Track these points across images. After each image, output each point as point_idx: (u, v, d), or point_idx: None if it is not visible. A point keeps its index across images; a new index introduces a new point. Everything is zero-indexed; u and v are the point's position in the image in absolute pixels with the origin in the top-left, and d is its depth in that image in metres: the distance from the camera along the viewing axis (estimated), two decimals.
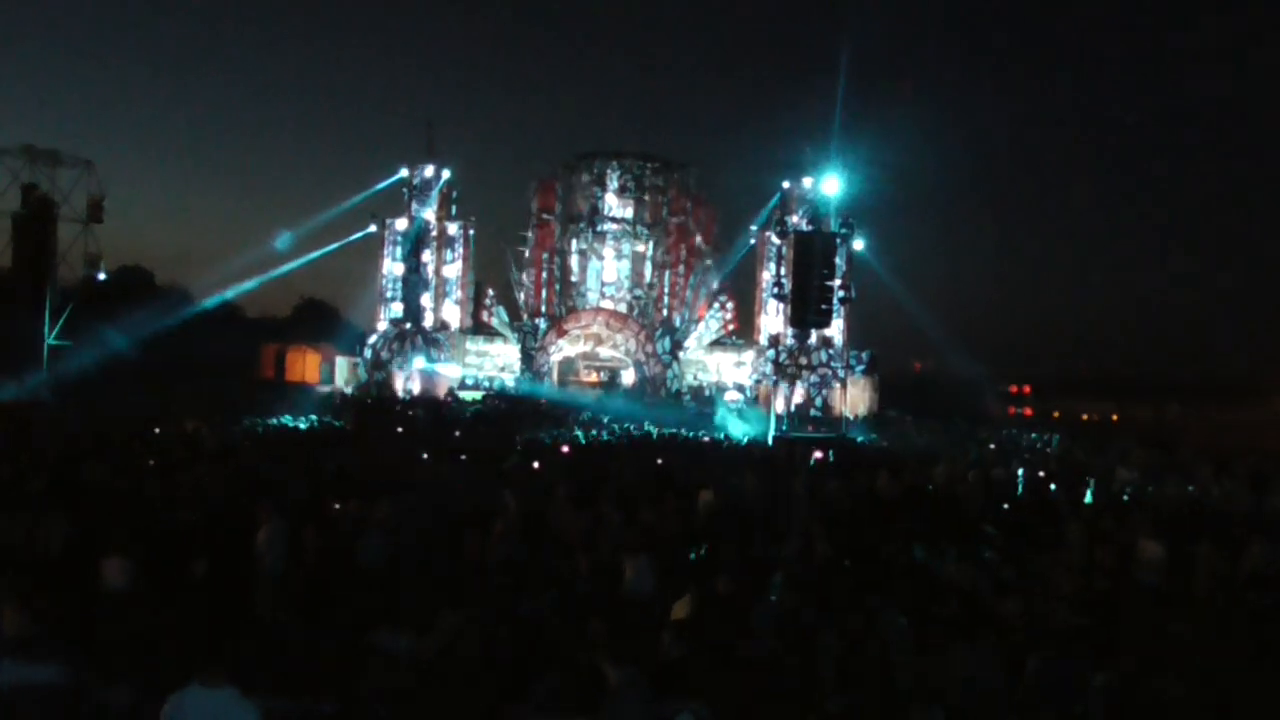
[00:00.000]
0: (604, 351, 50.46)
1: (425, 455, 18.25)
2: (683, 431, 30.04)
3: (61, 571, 7.76)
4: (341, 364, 49.08)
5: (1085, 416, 55.89)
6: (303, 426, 27.39)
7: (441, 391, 44.86)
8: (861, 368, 46.03)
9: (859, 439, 32.37)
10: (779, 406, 39.82)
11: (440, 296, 48.29)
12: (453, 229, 48.74)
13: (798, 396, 43.03)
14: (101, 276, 41.12)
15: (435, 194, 47.30)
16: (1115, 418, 55.32)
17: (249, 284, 47.01)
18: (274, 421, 28.14)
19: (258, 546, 8.80)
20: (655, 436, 28.10)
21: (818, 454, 22.71)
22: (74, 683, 5.14)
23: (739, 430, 32.22)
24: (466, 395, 44.68)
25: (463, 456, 18.53)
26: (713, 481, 13.83)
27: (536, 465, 18.10)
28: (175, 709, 4.38)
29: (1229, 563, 9.40)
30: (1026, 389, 64.66)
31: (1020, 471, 18.76)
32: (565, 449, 22.01)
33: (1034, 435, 34.57)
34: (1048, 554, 9.35)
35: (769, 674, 6.40)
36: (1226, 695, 6.02)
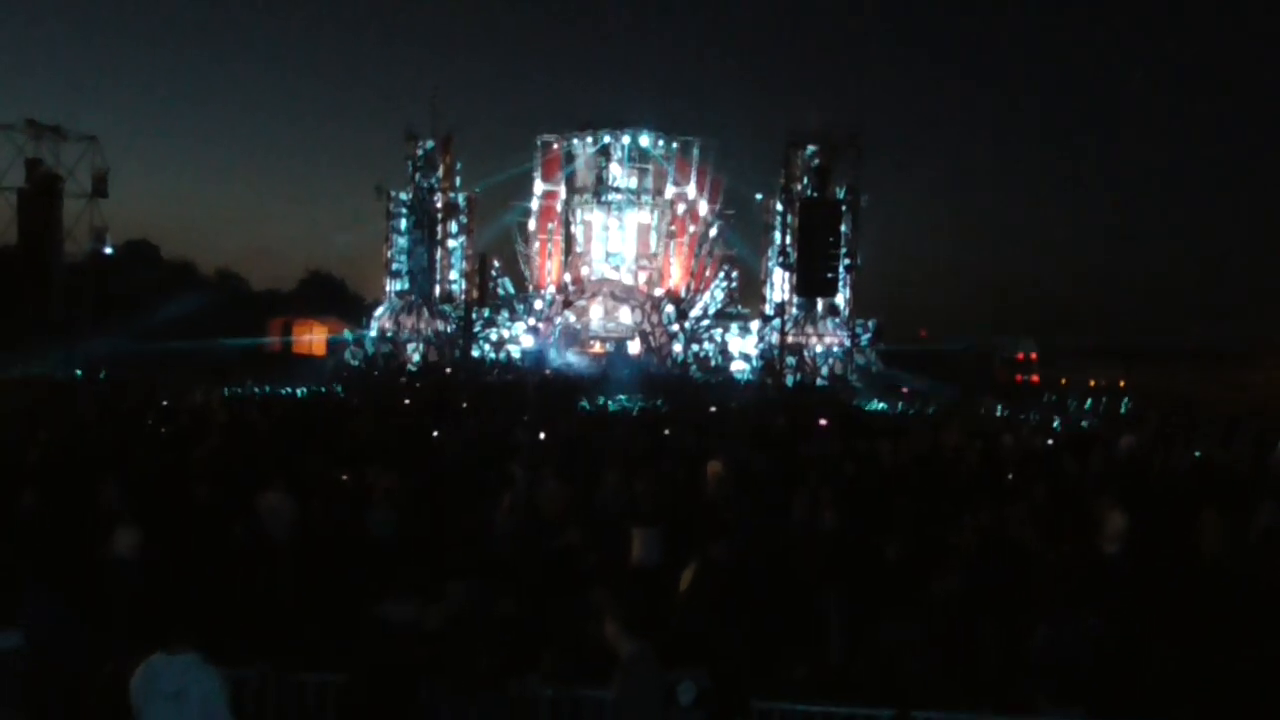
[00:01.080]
0: (610, 322, 50.45)
1: (432, 426, 18.29)
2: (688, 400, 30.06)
3: (68, 540, 7.83)
4: (348, 336, 49.27)
5: (1093, 383, 55.70)
6: (309, 397, 27.48)
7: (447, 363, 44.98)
8: (868, 336, 46.01)
9: (864, 406, 32.38)
10: (785, 376, 39.88)
11: (446, 268, 48.30)
12: (457, 200, 48.67)
13: (804, 366, 43.09)
14: (108, 250, 41.22)
15: (440, 166, 47.20)
16: (1122, 383, 55.15)
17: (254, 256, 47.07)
18: (282, 392, 28.24)
19: (260, 515, 8.86)
20: (661, 406, 28.13)
21: (823, 422, 22.71)
22: (49, 650, 5.22)
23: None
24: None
25: (469, 427, 18.57)
26: (719, 451, 13.85)
27: (543, 436, 18.14)
28: (140, 677, 4.58)
29: (1238, 526, 9.39)
30: (1033, 356, 64.42)
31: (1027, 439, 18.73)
32: (573, 420, 22.06)
33: (1045, 399, 34.52)
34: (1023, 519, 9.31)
35: (772, 643, 6.45)
36: (1227, 660, 6.05)
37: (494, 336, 49.43)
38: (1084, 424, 25.26)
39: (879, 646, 6.54)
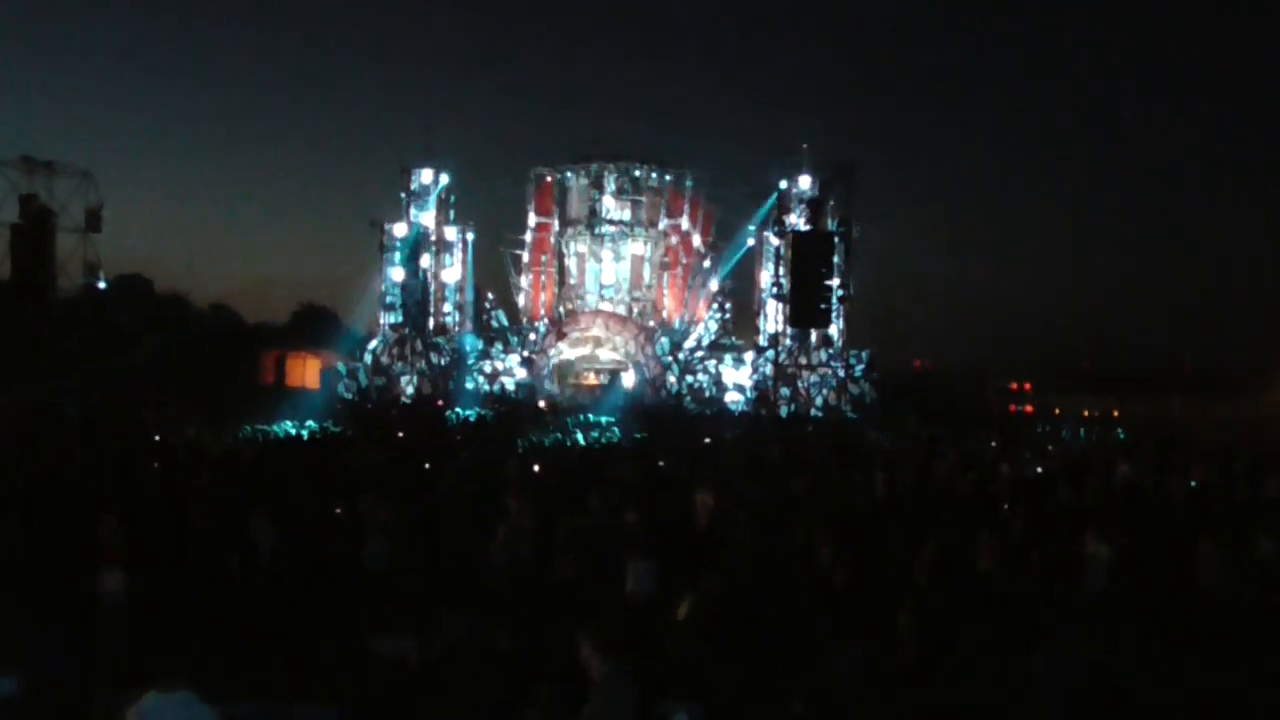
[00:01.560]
0: (604, 354, 50.43)
1: (426, 459, 18.23)
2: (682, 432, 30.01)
3: (56, 580, 7.76)
4: (341, 369, 49.20)
5: (1087, 413, 55.78)
6: (303, 432, 27.37)
7: (441, 396, 44.87)
8: (861, 367, 46.02)
9: (859, 438, 32.30)
10: (779, 407, 39.86)
11: (439, 301, 48.32)
12: (451, 233, 48.77)
13: (797, 397, 43.07)
14: (101, 285, 41.22)
15: (433, 199, 47.38)
16: (1116, 413, 55.23)
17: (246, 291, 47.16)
18: (274, 427, 28.13)
19: (244, 550, 8.82)
20: (653, 438, 28.07)
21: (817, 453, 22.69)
22: (41, 695, 5.15)
23: None
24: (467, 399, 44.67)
25: (464, 460, 18.51)
26: (713, 483, 13.82)
27: (537, 469, 18.09)
28: (134, 716, 4.48)
29: (1232, 558, 9.37)
30: (1027, 386, 64.52)
31: (1022, 469, 18.75)
32: (565, 453, 22.03)
33: (1039, 429, 34.50)
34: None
35: (766, 674, 6.40)
36: (1224, 692, 6.02)
37: (487, 368, 49.37)
38: (1079, 453, 25.26)
39: (829, 676, 6.49)
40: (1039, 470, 19.23)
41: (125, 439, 21.36)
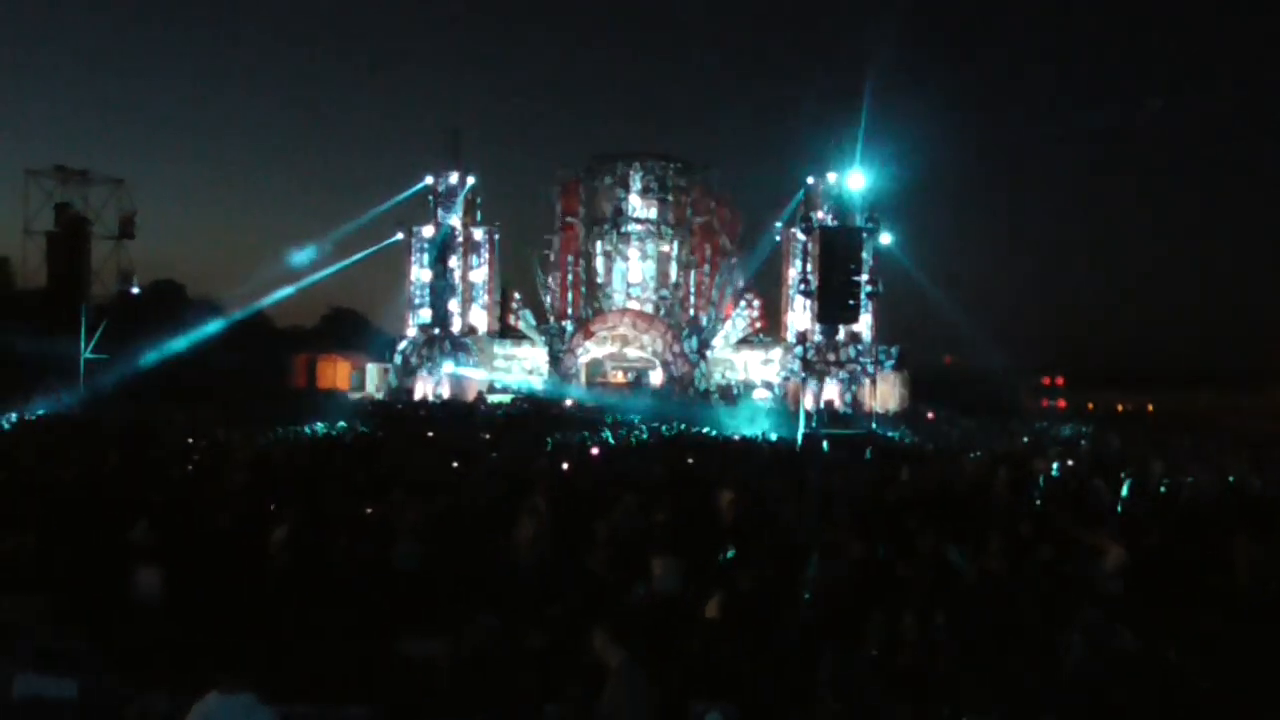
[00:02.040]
0: (631, 352, 50.48)
1: (455, 459, 18.32)
2: (711, 432, 30.01)
3: (94, 582, 7.87)
4: (372, 371, 49.55)
5: (1120, 407, 55.27)
6: (334, 433, 27.60)
7: (471, 395, 45.12)
8: (891, 363, 45.78)
9: (889, 435, 32.16)
10: (808, 404, 39.70)
11: (467, 302, 48.61)
12: (478, 234, 49.08)
13: (827, 393, 42.90)
14: (135, 291, 41.75)
15: (460, 201, 47.68)
16: (1150, 408, 54.68)
17: (279, 294, 47.56)
18: (306, 429, 28.40)
19: (272, 549, 8.91)
20: (683, 436, 28.07)
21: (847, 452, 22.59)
22: (94, 697, 5.20)
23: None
24: (495, 399, 44.89)
25: (493, 459, 18.61)
26: (739, 481, 13.81)
27: (566, 467, 18.15)
28: (197, 718, 4.45)
29: (1270, 552, 9.26)
30: (1059, 381, 63.99)
31: (1055, 465, 18.56)
32: (595, 450, 22.04)
33: (1067, 429, 34.17)
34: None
35: (796, 673, 6.39)
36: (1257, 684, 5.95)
37: (516, 368, 49.59)
38: (1113, 449, 24.99)
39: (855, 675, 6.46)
40: (1070, 465, 19.04)
41: (158, 444, 21.61)
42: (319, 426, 28.96)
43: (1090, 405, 55.19)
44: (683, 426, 30.40)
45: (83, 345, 38.20)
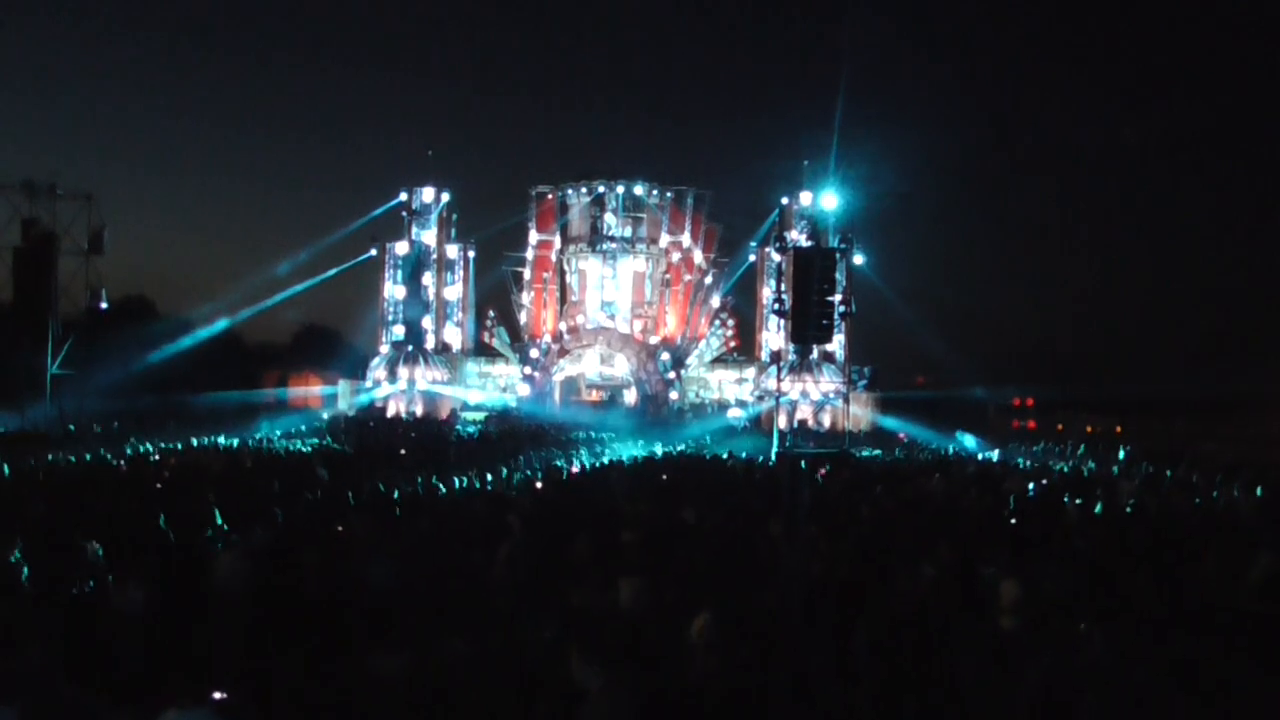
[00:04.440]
0: (606, 370, 50.52)
1: (429, 476, 18.22)
2: (687, 450, 30.04)
3: (51, 596, 7.74)
4: (344, 387, 49.28)
5: (1090, 429, 55.74)
6: (306, 449, 27.39)
7: (444, 413, 44.93)
8: (864, 383, 46.04)
9: (861, 454, 32.28)
10: (781, 423, 39.82)
11: (441, 318, 48.52)
12: (452, 251, 49.04)
13: (800, 413, 43.07)
14: (104, 306, 41.31)
15: (434, 217, 47.64)
16: (1119, 430, 55.18)
17: (249, 311, 47.31)
18: (277, 444, 28.18)
19: (221, 571, 8.78)
20: (659, 456, 28.07)
21: (822, 470, 22.64)
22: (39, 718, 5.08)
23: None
24: (469, 416, 44.73)
25: (466, 478, 18.50)
26: (714, 499, 13.81)
27: (540, 486, 18.08)
28: None
29: (1234, 574, 9.35)
30: (1029, 402, 64.48)
31: (1030, 486, 18.68)
32: (573, 469, 22.00)
33: (1038, 448, 34.43)
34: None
35: (773, 694, 6.36)
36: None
37: (490, 386, 49.47)
38: (1084, 470, 25.20)
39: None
40: (1044, 485, 19.16)
41: (126, 459, 21.36)
42: (294, 444, 28.76)
43: (1060, 427, 55.64)
44: (657, 445, 30.41)
45: (49, 361, 37.70)
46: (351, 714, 5.62)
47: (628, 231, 50.95)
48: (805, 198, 45.21)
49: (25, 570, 8.41)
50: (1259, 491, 17.02)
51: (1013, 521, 13.71)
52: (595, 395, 51.74)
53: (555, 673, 5.63)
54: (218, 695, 4.46)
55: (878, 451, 33.41)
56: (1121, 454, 28.21)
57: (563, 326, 50.73)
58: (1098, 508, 14.68)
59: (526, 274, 51.41)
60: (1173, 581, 8.97)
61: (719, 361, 50.82)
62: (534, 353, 48.89)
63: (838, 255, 40.82)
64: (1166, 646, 6.57)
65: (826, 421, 43.64)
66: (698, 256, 51.07)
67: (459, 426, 40.78)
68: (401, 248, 47.26)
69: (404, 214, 47.57)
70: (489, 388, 49.75)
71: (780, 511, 13.17)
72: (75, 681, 5.49)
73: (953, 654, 6.82)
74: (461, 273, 49.31)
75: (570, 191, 51.52)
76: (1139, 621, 7.26)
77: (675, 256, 51.07)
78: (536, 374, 48.44)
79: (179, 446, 25.08)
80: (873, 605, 7.97)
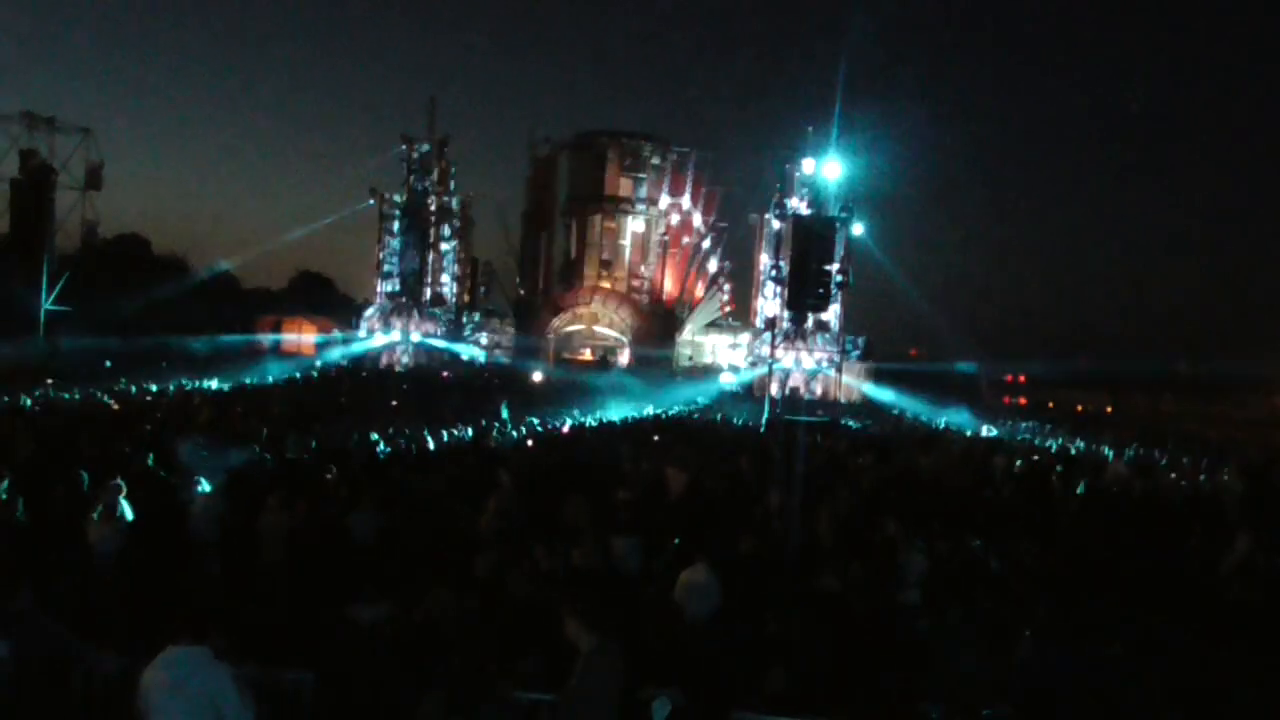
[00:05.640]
0: (601, 330, 50.46)
1: (420, 430, 18.23)
2: (680, 411, 30.09)
3: (46, 539, 7.76)
4: (338, 336, 49.16)
5: (1080, 408, 55.94)
6: (299, 395, 27.37)
7: (436, 365, 44.88)
8: (857, 353, 46.05)
9: (852, 424, 32.35)
10: (773, 390, 39.85)
11: (437, 271, 48.26)
12: (451, 204, 48.66)
13: (793, 381, 43.11)
14: (99, 242, 41.04)
15: (435, 169, 47.22)
16: (1109, 409, 55.38)
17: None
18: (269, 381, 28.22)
19: (194, 515, 8.83)
20: (651, 417, 28.11)
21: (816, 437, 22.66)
22: (32, 658, 5.11)
23: None
24: (461, 367, 44.66)
25: (457, 431, 18.52)
26: (706, 464, 13.87)
27: (531, 443, 18.12)
28: (153, 671, 4.43)
29: (1216, 555, 9.43)
30: (1022, 378, 64.66)
31: (1019, 462, 18.76)
32: (565, 429, 22.01)
33: (1026, 424, 34.55)
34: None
35: (745, 657, 6.42)
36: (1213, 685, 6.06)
37: (484, 340, 49.38)
38: (1072, 449, 25.32)
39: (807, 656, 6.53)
40: (1034, 461, 19.26)
41: (119, 400, 21.33)
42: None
43: (1050, 404, 55.87)
44: (649, 406, 30.44)
45: (44, 297, 37.51)
46: (332, 661, 5.66)
47: (628, 191, 50.66)
48: (808, 165, 44.87)
49: (20, 506, 8.43)
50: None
51: (994, 495, 13.81)
52: (589, 354, 51.71)
53: (542, 629, 5.68)
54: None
55: (868, 422, 33.48)
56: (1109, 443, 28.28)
57: (559, 285, 50.58)
58: (1080, 487, 14.75)
59: (524, 230, 51.14)
60: (1155, 563, 9.05)
61: (713, 326, 50.76)
62: (530, 309, 48.81)
63: (837, 225, 40.65)
64: (1144, 627, 6.64)
65: (819, 390, 43.69)
66: (697, 220, 50.84)
67: (450, 379, 40.75)
68: (399, 198, 46.95)
69: (403, 164, 47.17)
70: (482, 342, 49.65)
71: (771, 478, 13.23)
72: (57, 617, 5.53)
73: (939, 628, 6.90)
74: (459, 226, 49.00)
75: (572, 150, 51.14)
76: (1118, 601, 7.34)
77: (675, 219, 50.82)
78: (531, 331, 48.38)
79: (170, 389, 25.06)
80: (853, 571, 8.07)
